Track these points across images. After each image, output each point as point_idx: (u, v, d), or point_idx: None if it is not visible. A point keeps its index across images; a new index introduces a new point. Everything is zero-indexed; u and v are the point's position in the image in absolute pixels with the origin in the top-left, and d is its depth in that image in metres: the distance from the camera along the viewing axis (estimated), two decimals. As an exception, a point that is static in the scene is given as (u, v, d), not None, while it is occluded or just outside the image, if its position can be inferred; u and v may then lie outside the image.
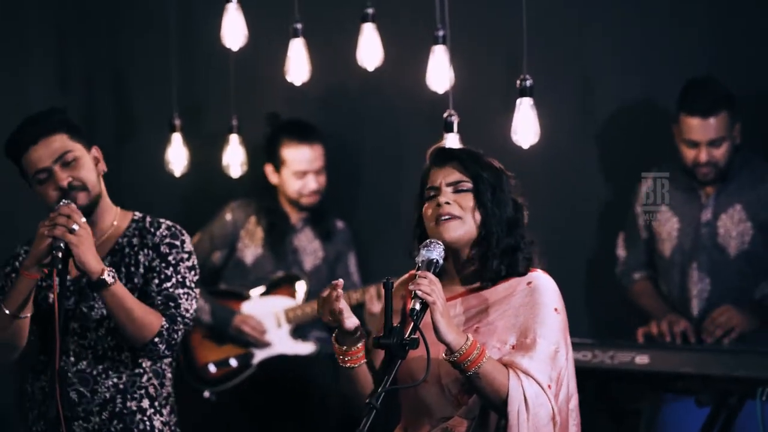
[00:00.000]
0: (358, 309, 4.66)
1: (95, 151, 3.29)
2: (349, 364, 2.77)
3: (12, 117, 4.58)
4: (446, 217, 2.80)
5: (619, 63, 4.71)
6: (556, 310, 2.81)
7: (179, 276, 3.26)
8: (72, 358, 3.20)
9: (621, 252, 4.53)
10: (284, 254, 4.85)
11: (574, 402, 2.85)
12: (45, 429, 3.18)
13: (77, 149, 3.21)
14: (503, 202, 2.84)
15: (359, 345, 2.77)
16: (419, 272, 2.71)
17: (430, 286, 2.65)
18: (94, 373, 3.22)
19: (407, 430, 2.85)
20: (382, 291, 4.43)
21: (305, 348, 4.80)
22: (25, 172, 3.22)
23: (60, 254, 2.97)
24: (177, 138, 4.82)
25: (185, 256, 3.29)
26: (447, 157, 2.86)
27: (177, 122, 4.81)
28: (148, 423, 3.27)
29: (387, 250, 4.99)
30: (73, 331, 3.22)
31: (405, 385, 2.61)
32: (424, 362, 2.62)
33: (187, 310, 3.25)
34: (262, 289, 4.82)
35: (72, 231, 3.00)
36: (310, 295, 4.80)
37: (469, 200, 2.82)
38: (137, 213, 3.37)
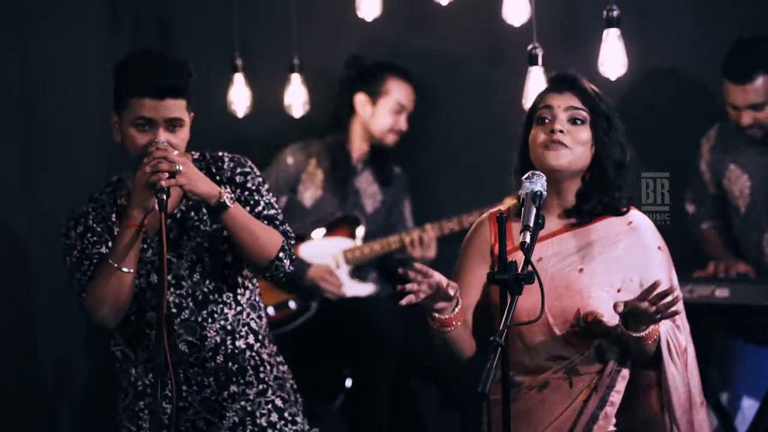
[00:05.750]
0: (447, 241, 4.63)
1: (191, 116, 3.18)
2: (444, 329, 2.79)
3: (69, 60, 4.56)
4: (556, 143, 2.76)
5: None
6: (659, 248, 2.84)
7: (265, 199, 3.19)
8: (174, 310, 3.12)
9: (689, 208, 4.46)
10: (346, 195, 4.82)
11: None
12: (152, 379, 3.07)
13: (186, 117, 3.11)
14: (615, 141, 2.82)
15: (457, 310, 2.76)
16: None
17: None
18: (200, 319, 3.14)
19: None
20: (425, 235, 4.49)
21: (364, 289, 4.78)
22: (124, 103, 3.07)
23: (165, 197, 2.89)
24: (239, 78, 4.78)
25: (261, 180, 3.22)
26: (566, 83, 2.83)
27: (239, 62, 4.77)
28: (257, 357, 3.23)
29: (439, 197, 4.97)
30: (168, 283, 3.11)
31: (524, 321, 2.60)
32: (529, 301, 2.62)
33: (289, 227, 3.21)
34: (323, 231, 4.78)
35: (176, 173, 2.92)
36: (368, 236, 4.77)
37: (582, 133, 2.79)
38: (194, 152, 3.26)
